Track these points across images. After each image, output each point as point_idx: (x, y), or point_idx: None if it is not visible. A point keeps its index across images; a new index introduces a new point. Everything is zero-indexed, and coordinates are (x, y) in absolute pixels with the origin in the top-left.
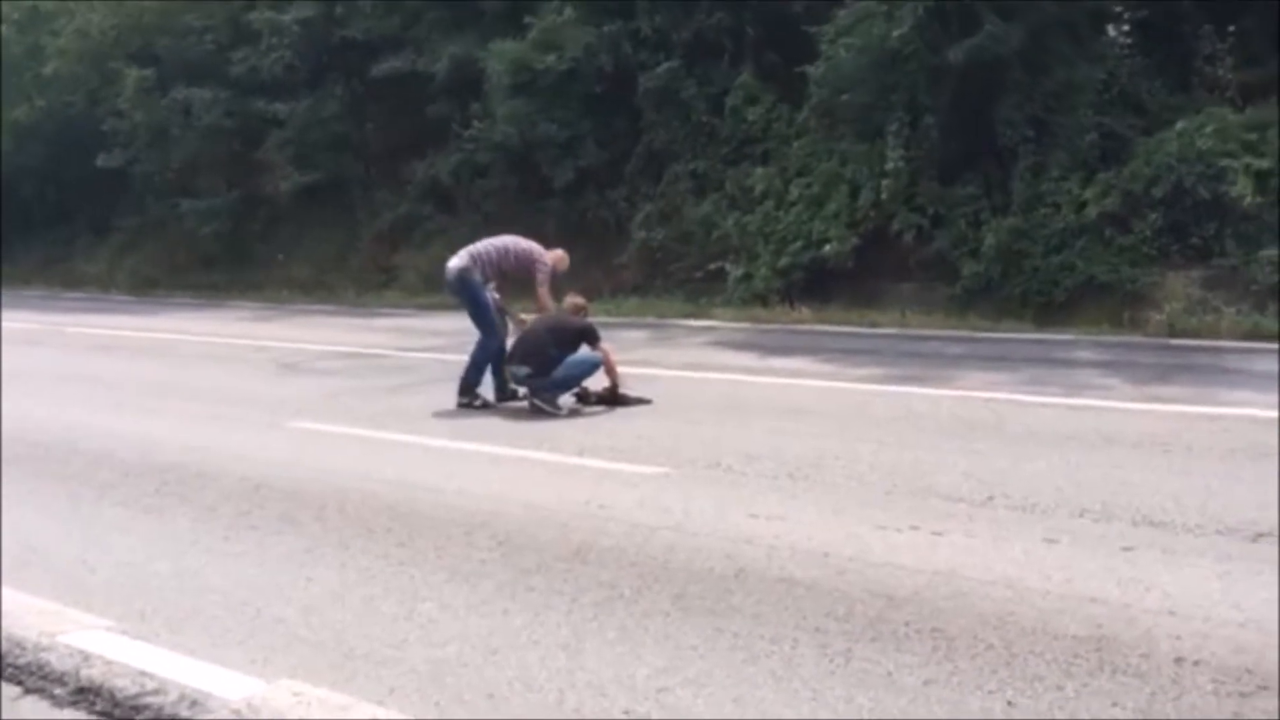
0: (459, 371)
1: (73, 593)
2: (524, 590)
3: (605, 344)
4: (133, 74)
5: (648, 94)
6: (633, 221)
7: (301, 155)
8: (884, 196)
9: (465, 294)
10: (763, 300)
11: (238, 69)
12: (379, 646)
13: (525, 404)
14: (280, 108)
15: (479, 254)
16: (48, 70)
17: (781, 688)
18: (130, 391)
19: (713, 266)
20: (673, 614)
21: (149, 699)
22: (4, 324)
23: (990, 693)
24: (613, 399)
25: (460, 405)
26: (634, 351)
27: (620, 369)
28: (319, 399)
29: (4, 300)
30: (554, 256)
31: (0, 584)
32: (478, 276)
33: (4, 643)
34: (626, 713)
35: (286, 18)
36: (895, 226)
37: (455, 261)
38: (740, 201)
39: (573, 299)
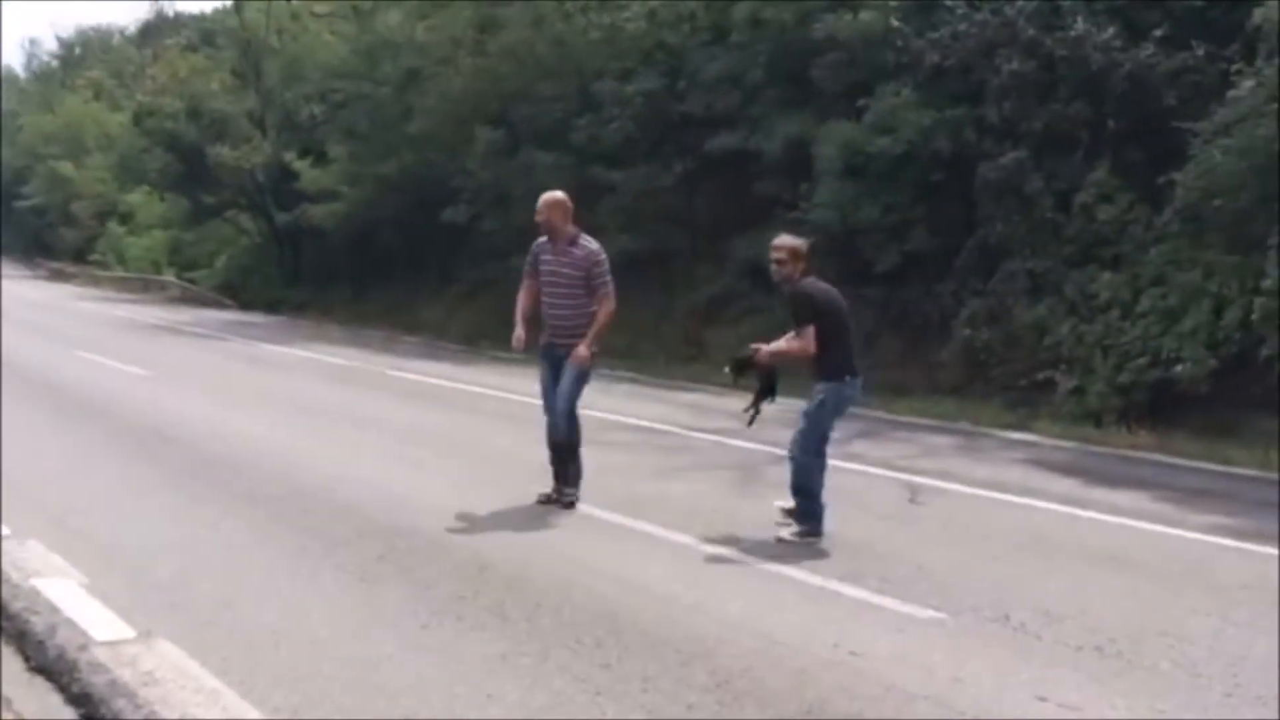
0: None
1: (247, 664)
2: None
3: None
4: (485, 135)
5: (987, 185)
6: (957, 318)
7: (630, 223)
8: (1255, 316)
9: None
10: (1095, 419)
11: (579, 136)
12: None
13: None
14: (616, 175)
15: None
16: (413, 128)
17: None
18: (404, 442)
19: (1041, 376)
20: None
21: None
22: (330, 360)
23: None
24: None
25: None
26: (936, 459)
27: (917, 477)
28: (584, 473)
29: (345, 338)
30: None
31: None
32: None
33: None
34: None
35: (630, 89)
36: (1265, 352)
37: None
38: (1080, 308)
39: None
